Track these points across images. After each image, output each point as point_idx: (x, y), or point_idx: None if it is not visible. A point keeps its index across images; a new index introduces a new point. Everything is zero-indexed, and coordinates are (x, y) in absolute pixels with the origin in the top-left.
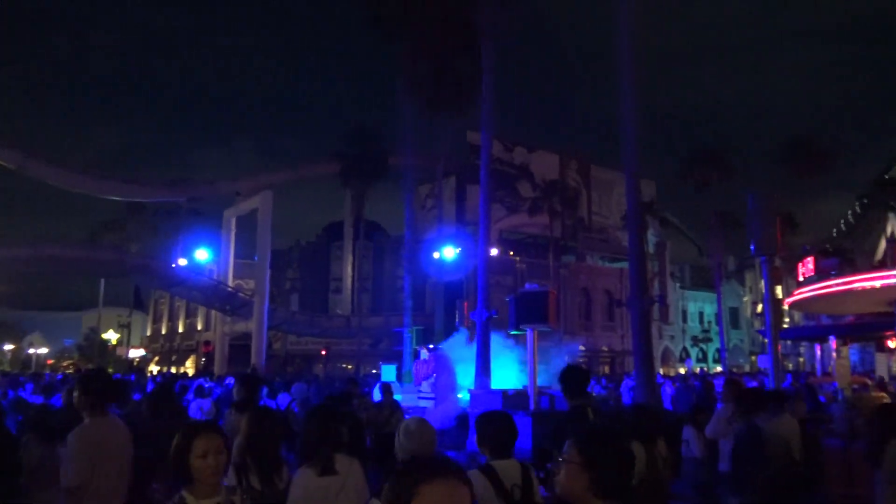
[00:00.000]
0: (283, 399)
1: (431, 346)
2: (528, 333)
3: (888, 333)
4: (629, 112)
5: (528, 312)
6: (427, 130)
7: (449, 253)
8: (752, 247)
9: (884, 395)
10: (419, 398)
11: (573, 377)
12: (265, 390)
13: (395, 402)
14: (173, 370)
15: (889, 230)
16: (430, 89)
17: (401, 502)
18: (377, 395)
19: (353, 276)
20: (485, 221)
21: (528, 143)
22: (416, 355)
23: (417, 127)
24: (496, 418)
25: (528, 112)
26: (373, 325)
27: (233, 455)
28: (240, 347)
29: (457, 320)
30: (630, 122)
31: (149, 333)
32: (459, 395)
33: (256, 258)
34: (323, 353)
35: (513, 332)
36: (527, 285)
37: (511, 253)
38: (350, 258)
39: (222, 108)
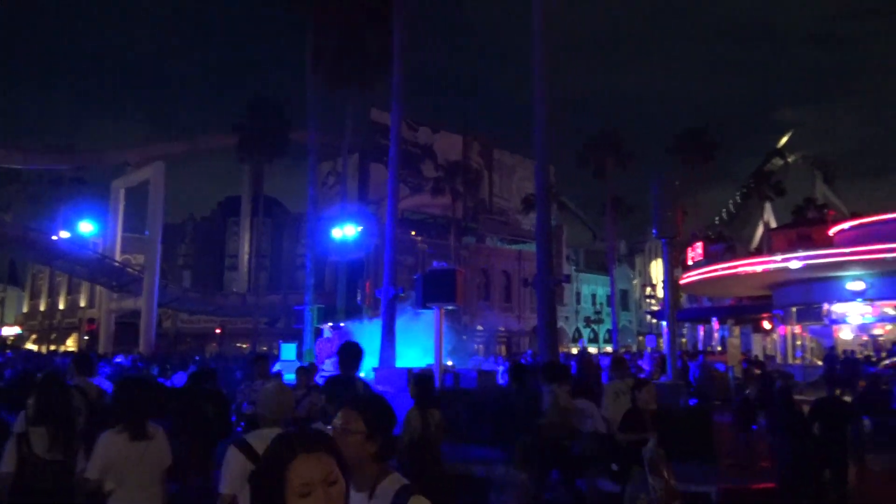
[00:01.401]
0: (178, 378)
1: (332, 325)
2: (435, 312)
3: (764, 316)
4: (540, 92)
5: (435, 291)
6: (331, 106)
7: (350, 231)
8: (654, 230)
9: (759, 373)
10: (321, 377)
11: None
12: (156, 370)
13: (315, 385)
14: (52, 349)
15: (766, 219)
16: (335, 63)
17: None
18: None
19: (250, 253)
20: (393, 198)
21: (432, 123)
22: (319, 333)
23: (321, 102)
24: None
25: (433, 92)
26: (270, 303)
27: (15, 426)
28: (127, 325)
29: (359, 299)
30: (541, 101)
31: (25, 310)
32: (362, 374)
33: (147, 232)
34: (217, 331)
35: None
36: (434, 264)
37: (413, 233)
38: (247, 234)
39: (113, 76)
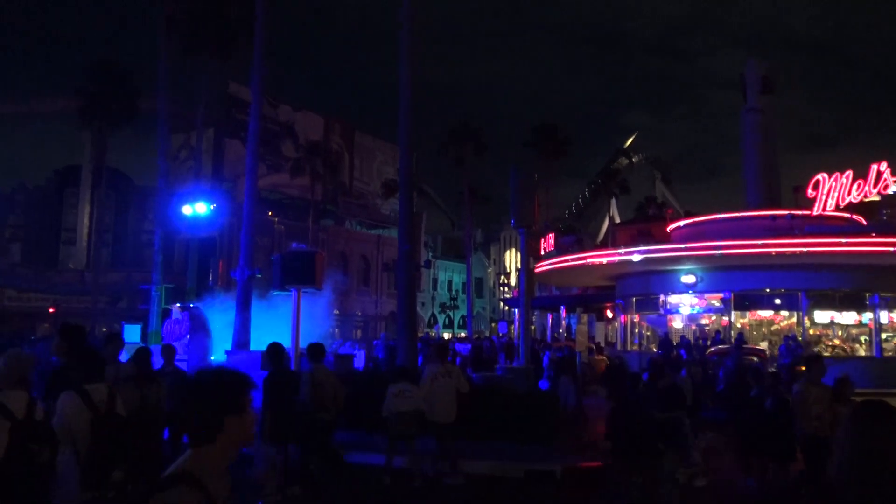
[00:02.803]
0: None
1: (181, 305)
2: (293, 294)
3: (607, 305)
4: (405, 77)
5: (294, 273)
6: (185, 76)
7: (201, 208)
8: (512, 219)
9: (604, 357)
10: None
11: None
12: None
13: (178, 369)
14: None
15: (612, 214)
16: (190, 28)
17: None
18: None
19: (90, 227)
20: (252, 175)
21: (293, 101)
22: (168, 315)
23: (175, 70)
24: (87, 352)
25: (294, 70)
26: (112, 281)
27: None
28: None
29: (211, 279)
30: (406, 87)
31: None
32: (213, 357)
33: None
34: (51, 310)
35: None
36: (293, 245)
37: (270, 213)
38: (87, 207)
39: None
